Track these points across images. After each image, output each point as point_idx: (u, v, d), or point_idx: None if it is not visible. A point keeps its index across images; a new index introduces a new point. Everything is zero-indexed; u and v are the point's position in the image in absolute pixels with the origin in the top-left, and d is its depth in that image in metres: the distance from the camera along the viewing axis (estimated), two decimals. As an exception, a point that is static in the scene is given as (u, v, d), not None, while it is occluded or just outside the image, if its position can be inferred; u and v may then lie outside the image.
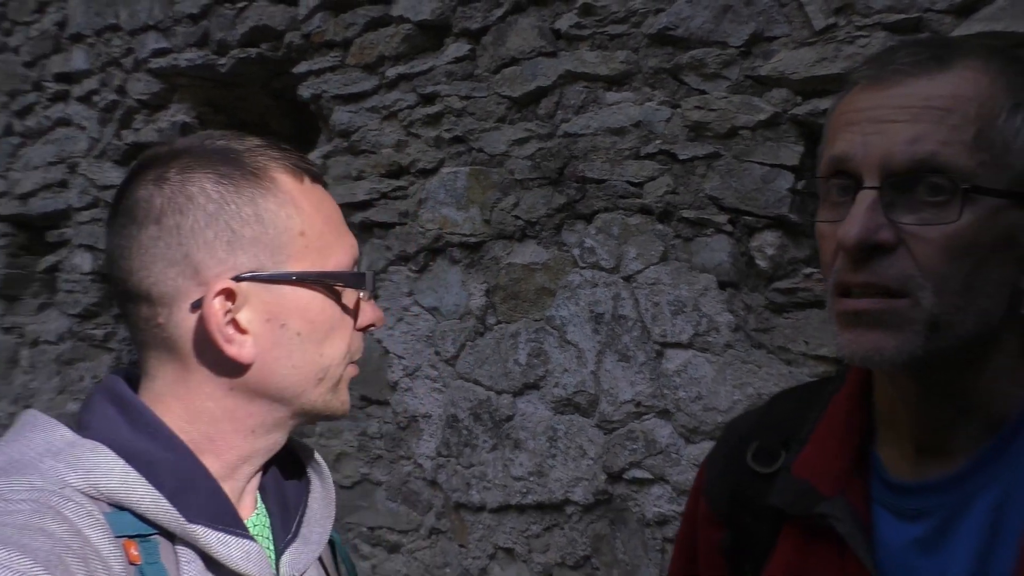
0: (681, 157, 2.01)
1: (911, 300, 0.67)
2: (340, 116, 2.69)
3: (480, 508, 2.30)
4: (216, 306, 0.67)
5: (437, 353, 2.43)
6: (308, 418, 0.76)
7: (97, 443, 0.65)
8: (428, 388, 2.45)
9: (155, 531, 0.65)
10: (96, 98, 3.46)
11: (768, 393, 1.88)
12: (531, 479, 2.19)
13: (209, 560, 0.67)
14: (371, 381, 2.59)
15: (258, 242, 0.68)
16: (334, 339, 0.73)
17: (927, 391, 0.73)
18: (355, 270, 0.76)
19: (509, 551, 2.24)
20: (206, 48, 3.05)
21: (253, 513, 0.76)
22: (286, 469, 0.81)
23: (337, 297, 0.73)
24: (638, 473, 2.00)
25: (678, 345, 1.97)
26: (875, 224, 0.66)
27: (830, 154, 0.71)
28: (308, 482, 0.81)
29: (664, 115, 2.04)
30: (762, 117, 1.90)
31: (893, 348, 0.67)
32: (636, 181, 2.08)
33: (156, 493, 0.64)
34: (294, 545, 0.76)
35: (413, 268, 2.51)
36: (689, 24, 2.00)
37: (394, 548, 2.51)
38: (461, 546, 2.34)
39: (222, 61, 2.99)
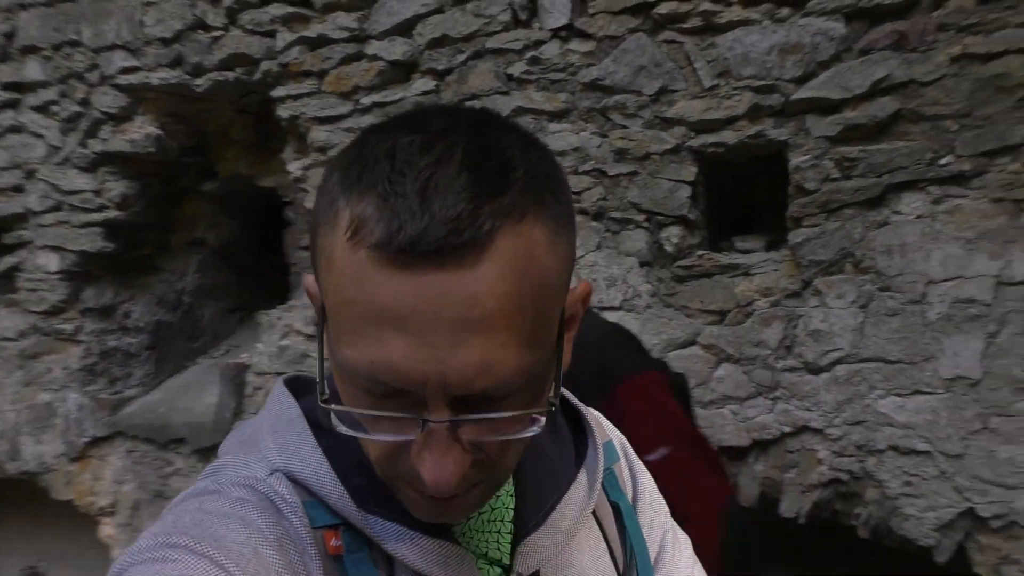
0: (610, 173, 2.77)
1: None
2: (318, 134, 3.23)
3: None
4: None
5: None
6: None
7: (304, 423, 0.64)
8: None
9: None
10: (56, 108, 3.74)
11: (676, 339, 2.70)
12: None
13: None
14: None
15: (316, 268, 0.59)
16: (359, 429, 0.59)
17: None
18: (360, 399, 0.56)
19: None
20: (179, 69, 3.47)
21: (493, 497, 0.66)
22: (562, 440, 0.75)
23: (346, 393, 0.57)
24: (587, 403, 2.76)
25: (612, 308, 2.74)
26: None
27: None
28: (582, 458, 0.74)
29: (596, 142, 2.79)
30: (668, 146, 2.69)
31: None
32: (576, 191, 2.82)
33: (341, 489, 0.61)
34: (536, 534, 0.68)
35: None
36: (614, 76, 2.75)
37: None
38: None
39: (198, 82, 3.43)
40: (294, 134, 3.35)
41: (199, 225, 4.05)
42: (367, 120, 3.14)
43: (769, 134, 2.57)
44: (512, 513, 0.69)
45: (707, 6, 2.61)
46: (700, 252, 2.70)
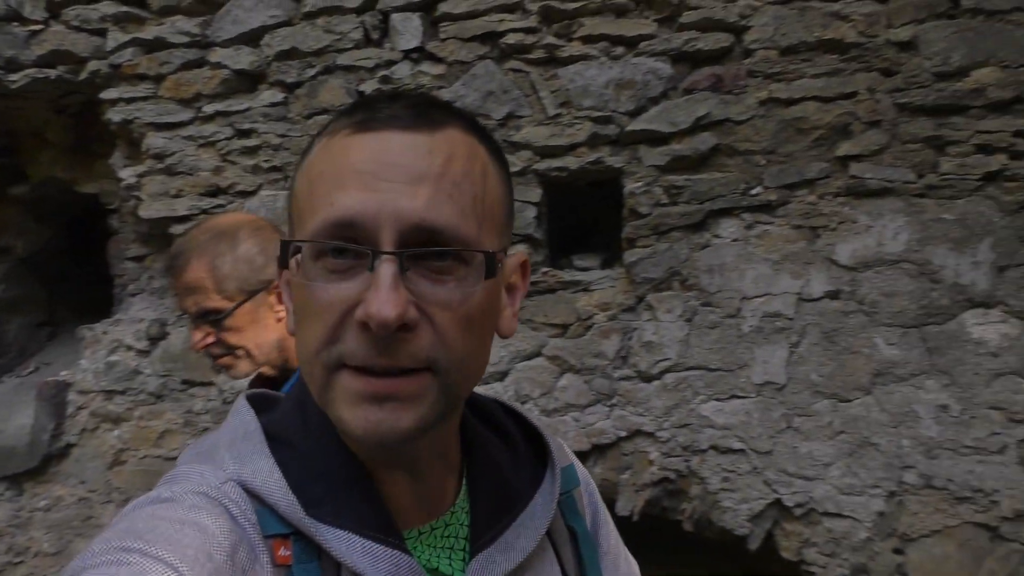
0: (460, 192, 2.87)
1: None
2: (155, 141, 3.08)
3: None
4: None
5: (263, 339, 3.01)
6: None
7: (261, 436, 0.66)
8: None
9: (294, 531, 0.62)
10: None
11: (523, 351, 2.85)
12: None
13: None
14: (195, 367, 3.06)
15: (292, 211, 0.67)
16: (305, 323, 0.62)
17: None
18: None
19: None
20: (-10, 63, 3.18)
21: (447, 512, 0.70)
22: (521, 461, 0.76)
23: (305, 271, 0.61)
24: (437, 414, 2.84)
25: (463, 323, 2.84)
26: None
27: None
28: (540, 481, 0.75)
29: (447, 162, 2.88)
30: (515, 169, 2.84)
31: None
32: (428, 208, 2.89)
33: (291, 498, 0.62)
34: (488, 550, 0.68)
35: (237, 271, 3.04)
36: (464, 100, 2.87)
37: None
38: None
39: (13, 78, 3.16)
40: (125, 139, 3.17)
41: (5, 232, 3.71)
42: (210, 128, 3.05)
43: (607, 161, 2.79)
44: (467, 530, 0.71)
45: (550, 40, 2.80)
46: (544, 269, 2.87)
